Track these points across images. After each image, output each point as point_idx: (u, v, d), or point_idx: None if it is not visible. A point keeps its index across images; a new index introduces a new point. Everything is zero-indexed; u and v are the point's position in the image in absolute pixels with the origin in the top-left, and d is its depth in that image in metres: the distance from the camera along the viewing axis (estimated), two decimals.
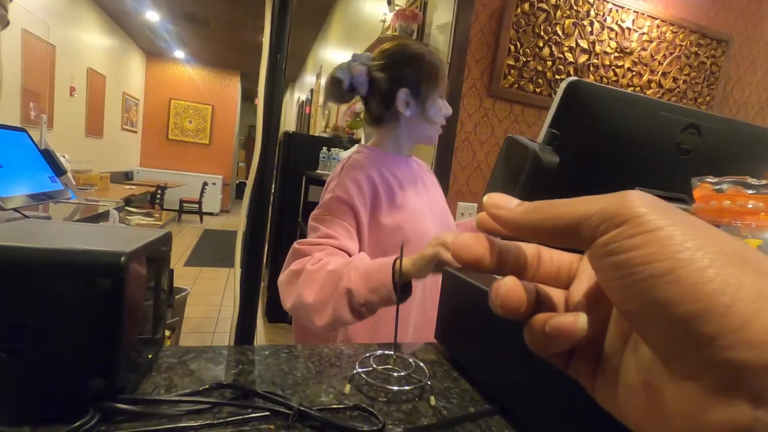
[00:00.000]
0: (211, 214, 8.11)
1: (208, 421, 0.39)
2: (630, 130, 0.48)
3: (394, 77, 0.93)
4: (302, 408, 0.41)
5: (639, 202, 0.15)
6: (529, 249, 0.21)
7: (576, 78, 0.45)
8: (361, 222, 0.87)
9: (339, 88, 0.95)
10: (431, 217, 0.97)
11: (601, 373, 0.19)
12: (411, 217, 0.91)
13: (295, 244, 0.85)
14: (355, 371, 0.51)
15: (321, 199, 0.91)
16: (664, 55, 2.24)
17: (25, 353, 0.36)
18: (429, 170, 1.12)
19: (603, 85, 0.45)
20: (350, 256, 0.82)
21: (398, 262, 0.72)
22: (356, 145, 1.25)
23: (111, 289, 0.36)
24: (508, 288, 0.19)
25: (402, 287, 0.74)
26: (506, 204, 0.19)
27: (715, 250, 0.13)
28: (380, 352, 0.57)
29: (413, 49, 0.96)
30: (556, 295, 0.21)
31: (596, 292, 0.19)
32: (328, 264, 0.76)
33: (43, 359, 0.36)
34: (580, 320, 0.18)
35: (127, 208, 3.58)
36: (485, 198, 0.20)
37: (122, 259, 0.37)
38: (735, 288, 0.12)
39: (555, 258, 0.22)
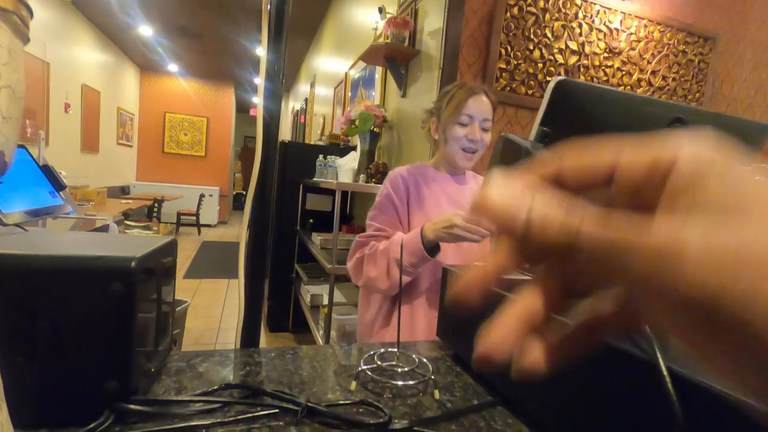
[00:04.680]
0: (208, 225, 8.10)
1: (219, 420, 0.41)
2: (616, 126, 0.50)
3: (431, 110, 1.19)
4: (310, 404, 0.42)
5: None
6: None
7: (563, 77, 0.47)
8: (402, 212, 1.13)
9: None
10: None
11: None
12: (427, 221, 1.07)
13: (357, 237, 1.13)
14: (360, 368, 0.52)
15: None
16: (653, 54, 2.28)
17: (41, 357, 0.37)
18: None
19: (589, 83, 0.47)
20: None
21: (423, 229, 1.00)
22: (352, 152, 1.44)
23: (123, 292, 0.37)
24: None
25: (431, 248, 1.00)
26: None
27: None
28: (384, 349, 0.58)
29: (448, 87, 1.16)
30: None
31: None
32: (379, 246, 1.06)
33: (59, 362, 0.37)
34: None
35: (125, 221, 3.59)
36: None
37: (132, 263, 0.38)
38: None
39: None
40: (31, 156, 1.32)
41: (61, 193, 1.43)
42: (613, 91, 0.49)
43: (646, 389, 0.32)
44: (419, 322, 1.07)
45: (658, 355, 0.30)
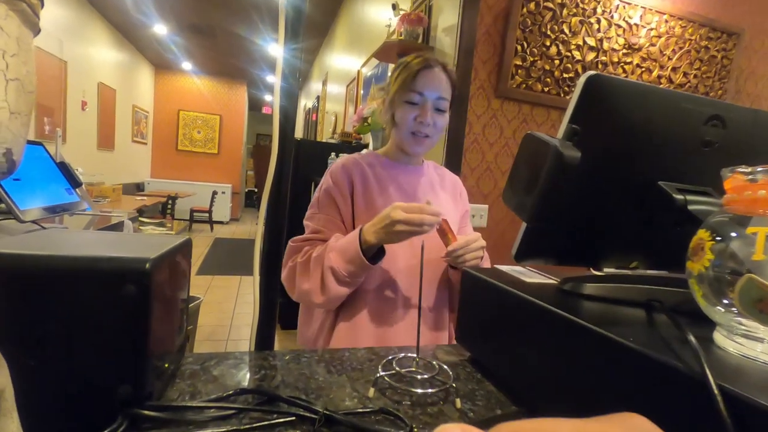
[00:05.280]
0: (221, 222, 8.18)
1: (234, 427, 0.39)
2: (651, 123, 0.47)
3: (383, 87, 1.04)
4: (328, 412, 0.41)
5: None
6: None
7: (595, 72, 0.44)
8: (344, 210, 0.94)
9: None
10: None
11: None
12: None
13: (290, 242, 0.94)
14: (378, 374, 0.50)
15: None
16: (674, 50, 2.21)
17: (53, 361, 0.36)
18: (453, 183, 1.08)
19: (623, 78, 0.44)
20: None
21: (363, 231, 0.82)
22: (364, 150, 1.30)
23: (137, 295, 0.36)
24: None
25: (374, 254, 0.84)
26: None
27: None
28: (402, 354, 0.56)
29: (403, 59, 0.95)
30: None
31: None
32: (312, 252, 0.89)
33: (70, 367, 0.36)
34: None
35: (140, 218, 3.63)
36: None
37: (147, 265, 0.37)
38: None
39: None
40: (49, 153, 1.33)
41: (77, 189, 1.44)
42: (648, 86, 0.47)
43: (692, 407, 0.29)
44: (363, 333, 0.89)
45: (707, 371, 0.28)
